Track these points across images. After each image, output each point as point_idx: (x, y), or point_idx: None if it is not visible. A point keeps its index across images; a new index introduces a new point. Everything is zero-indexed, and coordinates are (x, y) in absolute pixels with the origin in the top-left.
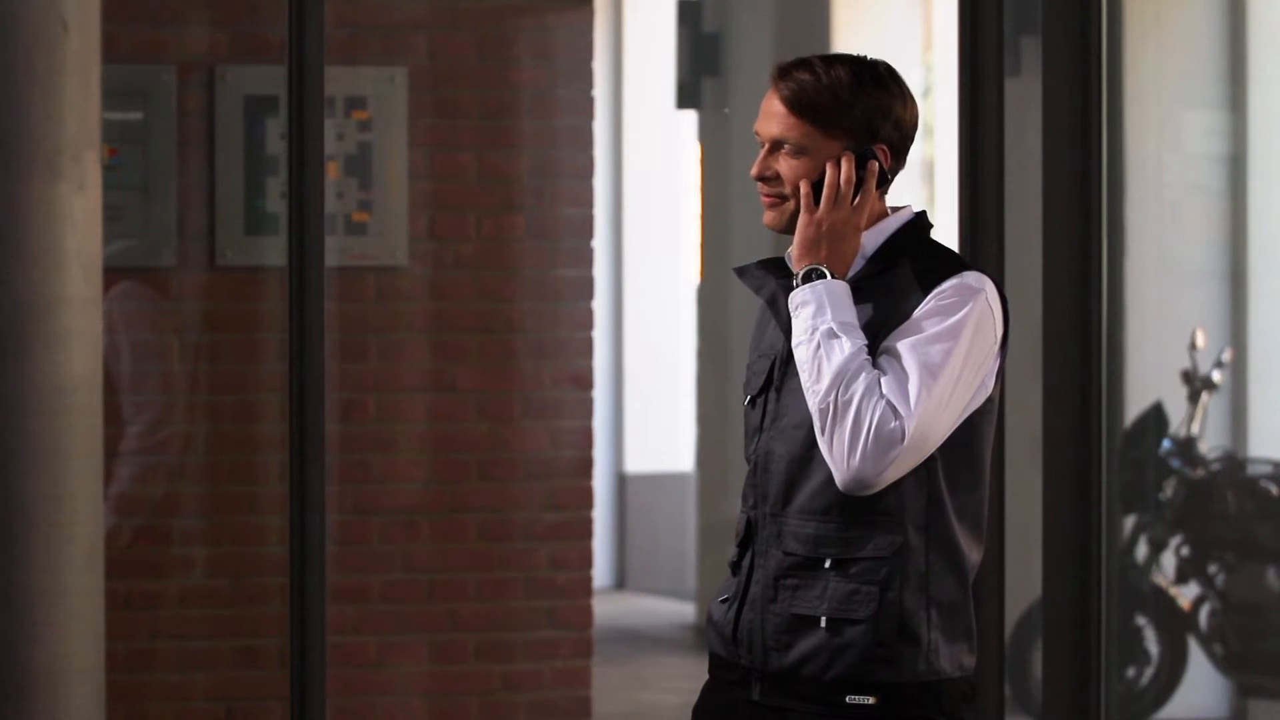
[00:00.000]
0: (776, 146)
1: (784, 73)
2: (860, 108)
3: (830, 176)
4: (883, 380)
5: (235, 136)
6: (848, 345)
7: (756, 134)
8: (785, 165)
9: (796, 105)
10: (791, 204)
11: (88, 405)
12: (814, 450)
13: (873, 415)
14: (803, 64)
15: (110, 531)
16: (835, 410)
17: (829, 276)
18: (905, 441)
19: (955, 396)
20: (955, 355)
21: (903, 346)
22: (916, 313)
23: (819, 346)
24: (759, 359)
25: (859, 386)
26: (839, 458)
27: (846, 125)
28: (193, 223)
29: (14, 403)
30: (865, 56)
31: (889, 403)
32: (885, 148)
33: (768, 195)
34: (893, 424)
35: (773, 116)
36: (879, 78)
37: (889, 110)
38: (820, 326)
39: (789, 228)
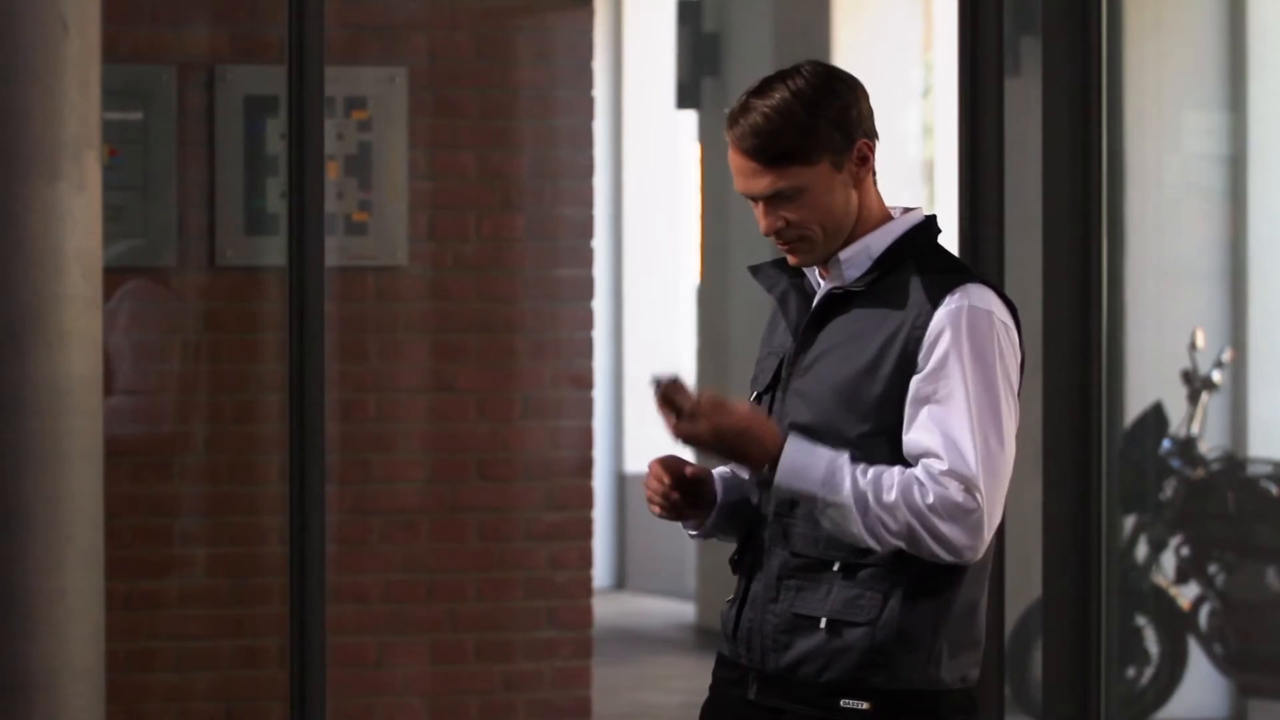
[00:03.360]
0: (772, 199)
1: (733, 124)
2: (823, 123)
3: (660, 405)
4: (931, 460)
5: (235, 136)
6: (846, 494)
7: (745, 194)
8: (792, 211)
9: (765, 157)
10: (814, 238)
11: (88, 405)
12: None
13: (930, 507)
14: (746, 110)
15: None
16: (901, 536)
17: (769, 468)
18: (981, 500)
19: (1007, 428)
20: (997, 394)
21: (943, 404)
22: (934, 361)
23: (831, 522)
24: (768, 356)
25: (896, 502)
26: (943, 556)
27: (821, 145)
28: (193, 223)
29: (14, 403)
30: (794, 69)
31: (934, 478)
32: (865, 141)
33: (785, 244)
34: (960, 498)
35: (750, 176)
36: (820, 88)
37: (846, 110)
38: (816, 506)
39: (824, 259)
